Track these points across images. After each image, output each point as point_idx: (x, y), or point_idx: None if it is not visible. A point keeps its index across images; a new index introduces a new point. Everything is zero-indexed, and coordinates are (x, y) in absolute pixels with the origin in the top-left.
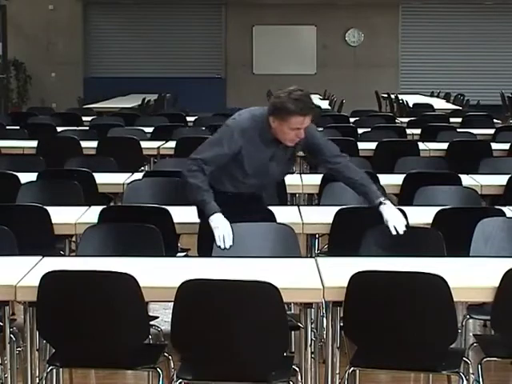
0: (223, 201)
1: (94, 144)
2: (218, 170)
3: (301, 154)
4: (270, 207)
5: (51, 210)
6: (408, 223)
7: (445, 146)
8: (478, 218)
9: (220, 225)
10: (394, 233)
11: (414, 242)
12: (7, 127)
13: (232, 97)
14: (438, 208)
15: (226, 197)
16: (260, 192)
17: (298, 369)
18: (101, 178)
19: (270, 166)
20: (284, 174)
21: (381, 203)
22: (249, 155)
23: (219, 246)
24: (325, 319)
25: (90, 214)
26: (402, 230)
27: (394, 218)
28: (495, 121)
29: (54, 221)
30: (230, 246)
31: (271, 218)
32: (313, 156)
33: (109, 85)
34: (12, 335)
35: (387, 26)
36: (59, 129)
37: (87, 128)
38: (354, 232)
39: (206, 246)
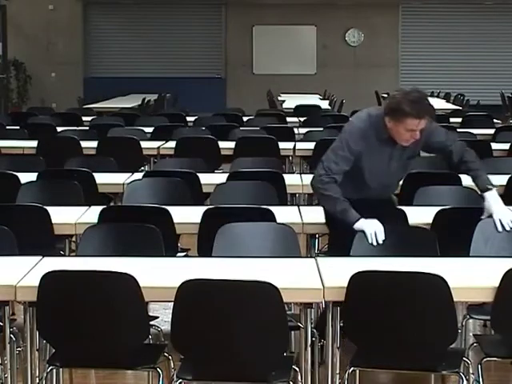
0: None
1: (94, 144)
2: (343, 178)
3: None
4: (270, 207)
5: (51, 210)
6: None
7: None
8: (477, 218)
9: (368, 224)
10: (499, 229)
11: (409, 242)
12: (7, 127)
13: (232, 97)
14: (438, 208)
15: (353, 204)
16: (385, 194)
17: (297, 369)
18: (101, 177)
19: (389, 166)
20: (404, 173)
21: (487, 188)
22: (368, 156)
23: (371, 244)
24: None
25: (90, 214)
26: (508, 225)
27: (501, 213)
28: (495, 121)
29: (54, 221)
30: (383, 241)
31: (402, 216)
32: (434, 153)
33: (109, 85)
34: (12, 335)
35: (387, 26)
36: (59, 129)
37: (87, 128)
38: (354, 232)
39: (206, 246)
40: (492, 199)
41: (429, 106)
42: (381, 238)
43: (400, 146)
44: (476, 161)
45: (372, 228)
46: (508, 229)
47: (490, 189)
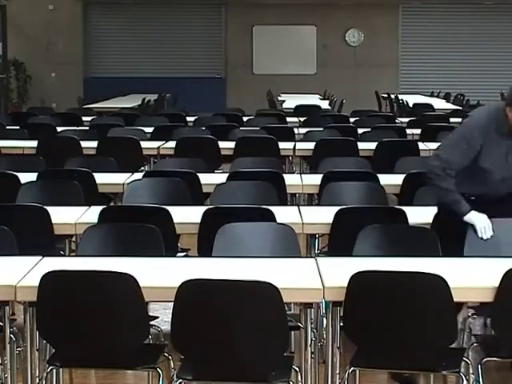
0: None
1: (94, 144)
2: (460, 174)
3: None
4: (270, 207)
5: (51, 210)
6: None
7: None
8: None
9: (479, 218)
10: (480, 235)
11: (409, 242)
12: (7, 127)
13: (232, 97)
14: None
15: (469, 200)
16: (505, 189)
17: (297, 369)
18: (101, 177)
19: (507, 160)
20: None
21: None
22: (488, 151)
23: (481, 238)
24: (325, 319)
25: (90, 214)
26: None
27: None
28: None
29: (54, 221)
30: (491, 236)
31: None
32: None
33: (109, 85)
34: (12, 335)
35: (387, 26)
36: (59, 129)
37: (87, 128)
38: (354, 232)
39: (206, 245)
40: None
41: None
42: (489, 233)
43: None
44: None
45: (483, 222)
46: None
47: None
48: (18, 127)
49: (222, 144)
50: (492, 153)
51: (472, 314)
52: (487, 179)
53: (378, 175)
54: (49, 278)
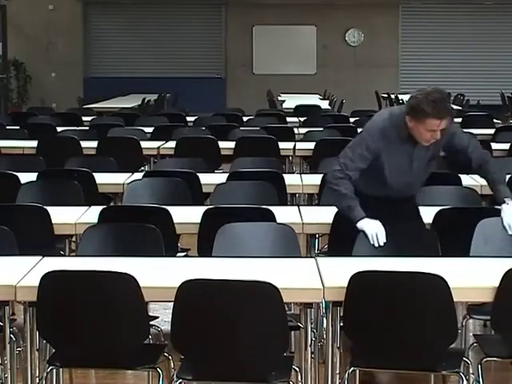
0: (372, 205)
1: (94, 144)
2: (364, 174)
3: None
4: (270, 207)
5: (51, 210)
6: None
7: None
8: (477, 218)
9: (369, 225)
10: (509, 232)
11: (408, 241)
12: (7, 127)
13: (232, 97)
14: (438, 208)
15: (374, 201)
16: (407, 193)
17: (297, 369)
18: (101, 177)
19: (411, 166)
20: (427, 174)
21: (504, 202)
22: (389, 155)
23: (373, 245)
24: (325, 319)
25: (90, 214)
26: None
27: (511, 218)
28: (495, 121)
29: (54, 221)
30: (384, 243)
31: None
32: (453, 156)
33: (109, 85)
34: (12, 335)
35: (387, 26)
36: (59, 129)
37: (87, 128)
38: (354, 232)
39: (206, 245)
40: (507, 208)
41: (449, 106)
42: (382, 240)
43: (421, 146)
44: (497, 171)
45: (373, 229)
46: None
47: (507, 203)
48: (18, 127)
49: (222, 144)
50: (394, 158)
51: (469, 315)
52: (390, 183)
53: None
54: (49, 278)
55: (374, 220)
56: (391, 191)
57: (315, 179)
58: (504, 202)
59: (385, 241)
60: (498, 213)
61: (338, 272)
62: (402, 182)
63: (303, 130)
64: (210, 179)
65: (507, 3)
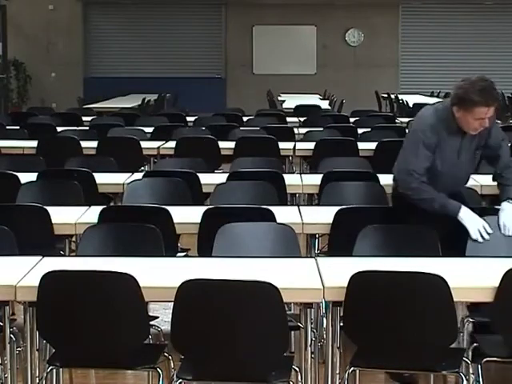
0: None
1: (94, 144)
2: None
3: None
4: (270, 207)
5: (51, 210)
6: None
7: None
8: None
9: (473, 219)
10: (502, 231)
11: (408, 241)
12: (7, 127)
13: (232, 97)
14: None
15: None
16: (456, 187)
17: (297, 369)
18: (101, 177)
19: (459, 157)
20: (473, 166)
21: (506, 200)
22: (440, 150)
23: (475, 240)
24: (325, 319)
25: (90, 214)
26: (509, 231)
27: (507, 218)
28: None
29: (54, 221)
30: (488, 234)
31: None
32: (484, 152)
33: (109, 85)
34: (12, 335)
35: (387, 26)
36: (59, 129)
37: (87, 128)
38: (353, 232)
39: (206, 245)
40: (506, 207)
41: (496, 93)
42: (486, 235)
43: (468, 137)
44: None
45: (476, 225)
46: (508, 234)
47: (508, 201)
48: (18, 127)
49: (222, 144)
50: (445, 152)
51: (466, 316)
52: (442, 178)
53: (378, 175)
54: (49, 278)
55: (474, 214)
56: (441, 187)
57: (315, 179)
58: (506, 200)
59: (491, 231)
60: (497, 212)
61: (338, 272)
62: (453, 175)
63: (303, 130)
64: (210, 179)
65: (507, 3)
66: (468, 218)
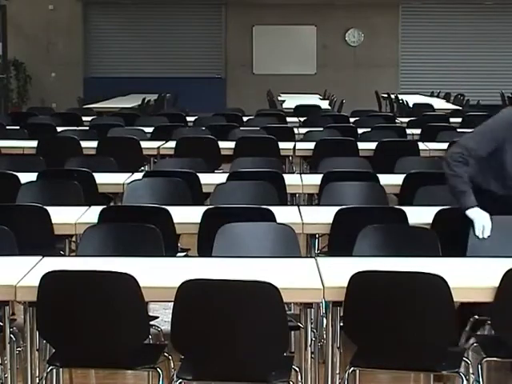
0: (492, 201)
1: (94, 144)
2: (483, 168)
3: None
4: (270, 207)
5: (51, 210)
6: None
7: (445, 146)
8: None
9: (480, 215)
10: (481, 236)
11: (409, 242)
12: (7, 127)
13: (232, 97)
14: (438, 208)
15: (494, 197)
16: None
17: (297, 369)
18: (101, 177)
19: None
20: None
21: None
22: (511, 147)
23: (477, 236)
24: (325, 319)
25: (90, 214)
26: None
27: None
28: None
29: (54, 221)
30: (488, 237)
31: None
32: None
33: (109, 85)
34: (12, 335)
35: (387, 26)
36: (59, 129)
37: (87, 128)
38: (353, 232)
39: (206, 245)
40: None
41: None
42: (487, 233)
43: None
44: None
45: (483, 221)
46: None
47: None
48: (18, 127)
49: (222, 144)
50: None
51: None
52: (506, 175)
53: (378, 175)
54: (49, 278)
55: (482, 212)
56: (508, 185)
57: (315, 179)
58: None
59: (489, 234)
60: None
61: (338, 272)
62: None
63: (303, 130)
64: (210, 179)
65: (507, 3)
66: (475, 215)
